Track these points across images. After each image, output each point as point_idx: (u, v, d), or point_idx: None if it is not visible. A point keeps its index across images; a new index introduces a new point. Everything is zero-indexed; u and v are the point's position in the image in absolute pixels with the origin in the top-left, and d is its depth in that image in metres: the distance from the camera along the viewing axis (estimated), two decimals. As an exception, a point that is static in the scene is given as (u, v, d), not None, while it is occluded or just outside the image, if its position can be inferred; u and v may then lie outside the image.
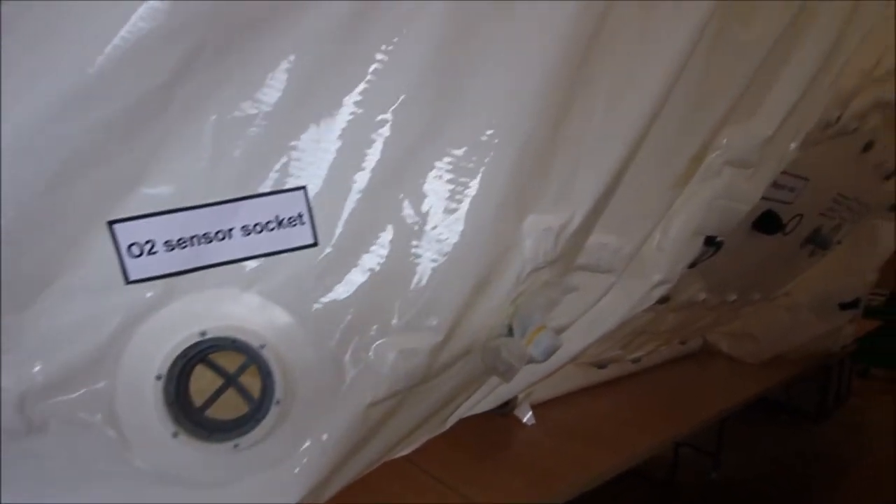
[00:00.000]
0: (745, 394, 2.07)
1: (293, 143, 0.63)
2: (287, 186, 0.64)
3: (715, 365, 2.62)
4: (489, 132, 0.67)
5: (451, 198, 0.67)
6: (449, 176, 0.67)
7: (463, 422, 1.42)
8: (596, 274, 1.04)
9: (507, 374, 0.75)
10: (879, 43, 1.23)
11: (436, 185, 0.67)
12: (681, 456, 3.01)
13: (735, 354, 2.66)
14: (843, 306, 2.29)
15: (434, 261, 0.66)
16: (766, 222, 1.37)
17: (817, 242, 1.70)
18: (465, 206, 0.67)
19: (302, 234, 0.64)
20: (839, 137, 1.36)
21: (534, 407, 1.66)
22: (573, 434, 1.58)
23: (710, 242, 1.12)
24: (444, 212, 0.67)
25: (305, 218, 0.65)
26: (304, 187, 0.64)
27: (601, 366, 1.81)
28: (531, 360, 0.75)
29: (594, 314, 1.14)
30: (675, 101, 0.93)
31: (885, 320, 5.03)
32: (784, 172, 1.32)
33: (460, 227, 0.67)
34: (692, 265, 1.15)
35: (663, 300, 1.44)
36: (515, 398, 1.56)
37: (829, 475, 3.17)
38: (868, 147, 1.51)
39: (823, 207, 1.63)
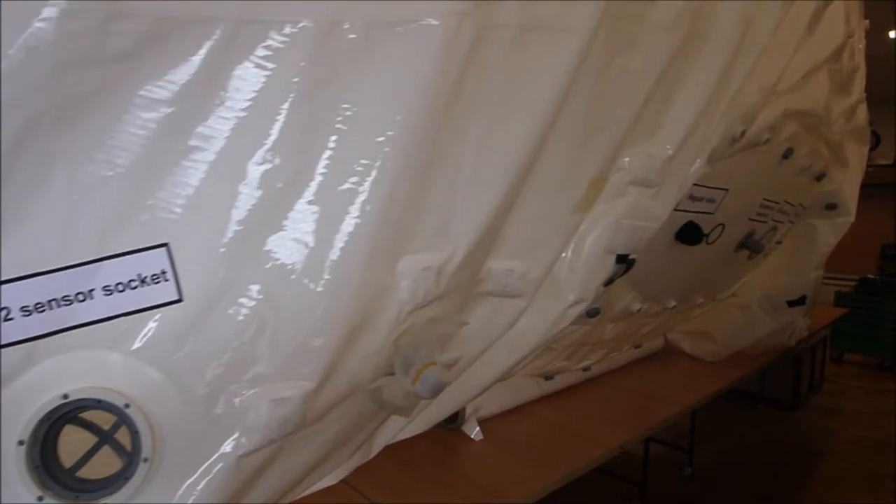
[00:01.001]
0: (701, 394, 2.10)
1: (151, 202, 0.64)
2: (149, 244, 0.65)
3: (677, 364, 2.65)
4: (353, 180, 0.69)
5: (317, 248, 0.68)
6: (313, 227, 0.68)
7: (411, 440, 1.44)
8: (506, 299, 1.06)
9: (401, 411, 0.76)
10: (779, 60, 1.27)
11: (301, 236, 0.68)
12: (653, 453, 3.05)
13: (696, 353, 2.70)
14: (791, 303, 2.33)
15: (302, 310, 0.67)
16: (688, 233, 1.40)
17: (750, 247, 1.74)
18: (333, 254, 0.68)
19: (166, 291, 0.65)
20: (753, 149, 1.40)
21: (483, 421, 1.67)
22: (520, 448, 1.59)
23: (622, 260, 1.15)
24: (310, 261, 0.68)
25: (169, 275, 0.65)
26: (166, 244, 0.65)
27: (548, 377, 1.83)
28: (420, 398, 0.76)
29: (514, 336, 1.17)
30: (566, 130, 0.96)
31: (855, 307, 5.16)
32: (700, 185, 1.36)
33: (328, 277, 0.68)
34: (608, 283, 1.18)
35: (593, 314, 1.46)
36: (463, 413, 1.57)
37: (802, 461, 3.24)
38: (788, 154, 1.55)
39: (752, 213, 1.67)
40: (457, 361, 0.84)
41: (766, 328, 2.49)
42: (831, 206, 2.07)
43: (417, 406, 0.86)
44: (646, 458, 2.97)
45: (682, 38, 1.01)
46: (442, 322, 0.81)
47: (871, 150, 7.22)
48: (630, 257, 1.16)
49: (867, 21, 2.08)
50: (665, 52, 1.00)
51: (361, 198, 0.68)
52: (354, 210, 0.68)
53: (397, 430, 1.13)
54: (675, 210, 1.36)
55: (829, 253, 2.18)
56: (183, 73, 0.60)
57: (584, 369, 1.98)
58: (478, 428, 1.66)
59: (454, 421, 1.61)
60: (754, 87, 1.22)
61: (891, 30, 5.13)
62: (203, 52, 0.61)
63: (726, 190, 1.44)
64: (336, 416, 0.74)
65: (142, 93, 0.58)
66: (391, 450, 1.29)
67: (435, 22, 0.70)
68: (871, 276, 5.55)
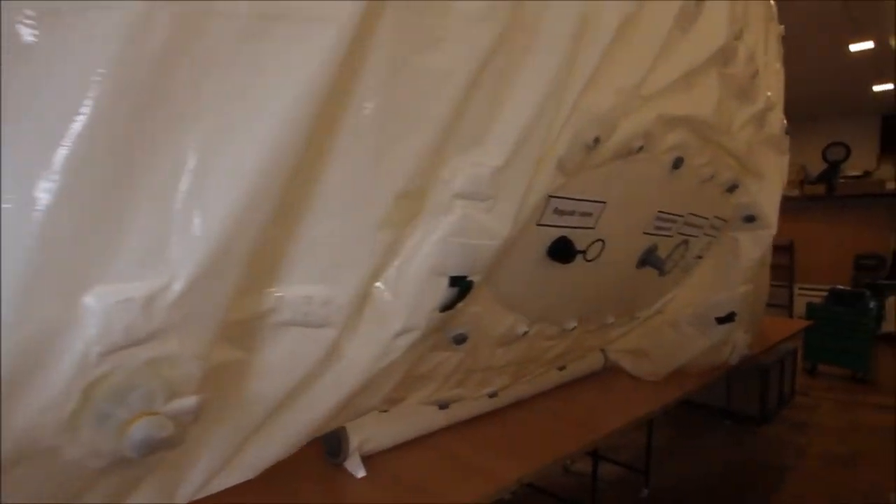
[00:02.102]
0: (630, 416, 1.98)
1: None
2: None
3: (614, 385, 2.54)
4: (10, 197, 0.57)
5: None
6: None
7: (291, 472, 1.30)
8: (310, 329, 0.94)
9: (110, 476, 0.63)
10: (640, 60, 1.17)
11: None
12: (608, 473, 2.92)
13: (636, 373, 2.60)
14: (720, 320, 2.22)
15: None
16: (559, 250, 1.28)
17: (651, 263, 1.63)
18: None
19: None
20: (629, 158, 1.29)
21: (374, 456, 1.54)
22: (407, 487, 1.46)
23: (458, 283, 1.03)
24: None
25: None
26: None
27: (442, 405, 1.70)
28: (127, 455, 0.64)
29: (340, 369, 1.04)
30: (356, 138, 0.85)
31: (826, 318, 5.07)
32: (566, 198, 1.25)
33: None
34: (446, 308, 1.05)
35: (459, 340, 1.34)
36: (346, 447, 1.44)
37: (766, 479, 3.13)
38: (678, 164, 1.45)
39: (647, 227, 1.56)
40: (195, 409, 0.71)
41: (698, 346, 2.39)
42: (749, 219, 1.97)
43: (131, 468, 0.72)
44: (594, 479, 2.84)
45: (500, 32, 0.90)
46: (171, 363, 0.69)
47: (842, 161, 7.23)
48: (468, 279, 1.04)
49: (782, 26, 2.00)
50: (479, 48, 0.89)
51: (32, 226, 0.56)
52: (24, 240, 0.56)
53: (203, 481, 0.99)
54: (542, 225, 1.24)
55: (755, 267, 2.07)
56: None
57: (490, 395, 1.85)
58: (360, 464, 1.52)
59: (338, 455, 1.48)
60: (608, 90, 1.11)
61: (852, 43, 5.13)
62: None
63: (603, 203, 1.33)
64: (13, 485, 0.61)
65: None
66: (266, 480, 1.16)
67: (115, 8, 0.59)
68: (840, 287, 5.45)
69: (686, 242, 1.84)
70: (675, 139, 1.40)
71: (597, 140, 1.10)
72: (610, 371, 2.65)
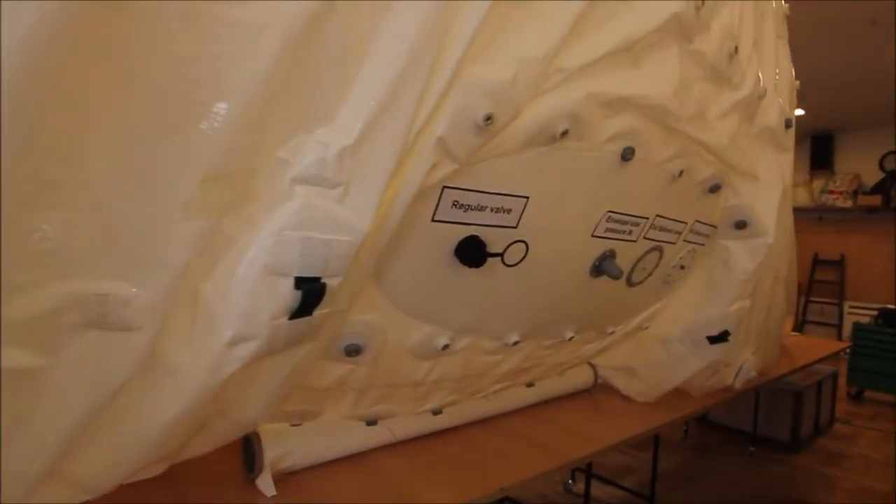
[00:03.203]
0: (599, 444, 1.77)
1: None
2: None
3: (599, 406, 2.33)
4: None
5: None
6: None
7: (196, 487, 1.22)
8: (114, 333, 0.80)
9: None
10: (554, 25, 0.97)
11: None
12: (614, 497, 2.69)
13: (626, 393, 2.37)
14: (712, 339, 1.96)
15: None
16: (466, 251, 1.10)
17: (605, 271, 1.41)
18: None
19: None
20: (555, 145, 1.09)
21: (297, 474, 1.40)
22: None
23: (305, 285, 0.86)
24: None
25: None
26: None
27: (370, 422, 1.53)
28: None
29: (174, 382, 0.89)
30: (147, 104, 0.70)
31: (873, 341, 4.59)
32: (469, 190, 1.06)
33: None
34: (296, 314, 0.89)
35: (352, 351, 1.17)
36: (260, 461, 1.31)
37: None
38: (628, 155, 1.23)
39: (595, 230, 1.34)
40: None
41: (691, 367, 2.13)
42: (741, 225, 1.70)
43: None
44: (586, 501, 2.61)
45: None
46: None
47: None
48: (322, 281, 0.87)
49: (787, 4, 1.73)
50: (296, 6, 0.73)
51: None
52: None
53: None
54: (439, 222, 1.06)
55: (751, 280, 1.79)
56: None
57: (434, 412, 1.67)
58: (271, 482, 1.38)
59: (252, 469, 1.36)
60: (506, 59, 0.92)
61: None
62: None
63: (526, 198, 1.13)
64: None
65: None
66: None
67: None
68: (890, 307, 4.94)
69: (659, 249, 1.61)
70: (620, 125, 1.18)
71: (489, 118, 0.91)
72: (603, 390, 2.44)
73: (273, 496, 1.25)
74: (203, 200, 0.76)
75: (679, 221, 1.58)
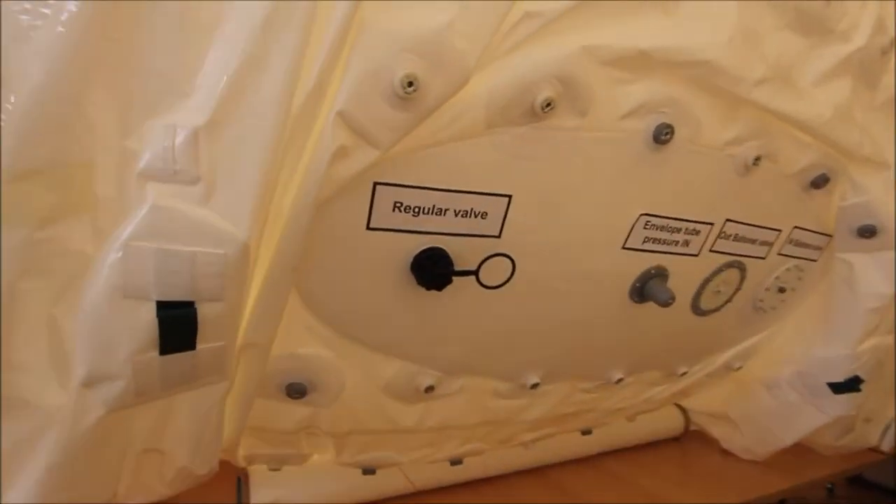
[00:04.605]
0: None
1: None
2: None
3: (695, 461, 1.92)
4: None
5: None
6: None
7: None
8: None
9: None
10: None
11: None
12: None
13: (727, 446, 1.94)
14: (836, 388, 1.45)
15: None
16: (421, 270, 0.83)
17: (650, 295, 1.05)
18: None
19: None
20: (540, 124, 0.80)
21: None
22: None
23: (170, 311, 0.66)
24: None
25: None
26: None
27: (366, 471, 1.31)
28: None
29: (37, 425, 0.74)
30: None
31: None
32: (417, 187, 0.80)
33: None
34: (168, 349, 0.69)
35: (298, 392, 0.94)
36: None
37: None
38: (664, 135, 0.89)
39: (626, 241, 0.99)
40: None
41: (811, 422, 1.63)
42: (866, 231, 1.22)
43: None
44: None
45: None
46: None
47: None
48: (192, 306, 0.67)
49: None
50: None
51: None
52: None
53: None
54: (375, 230, 0.82)
55: (886, 308, 1.28)
56: None
57: (453, 463, 1.41)
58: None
59: None
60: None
61: None
62: None
63: (507, 196, 0.84)
64: None
65: None
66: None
67: None
68: None
69: (738, 266, 1.20)
70: (646, 93, 0.85)
71: (411, 83, 0.66)
72: (696, 438, 2.00)
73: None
74: (20, 206, 0.60)
75: (766, 228, 1.16)
